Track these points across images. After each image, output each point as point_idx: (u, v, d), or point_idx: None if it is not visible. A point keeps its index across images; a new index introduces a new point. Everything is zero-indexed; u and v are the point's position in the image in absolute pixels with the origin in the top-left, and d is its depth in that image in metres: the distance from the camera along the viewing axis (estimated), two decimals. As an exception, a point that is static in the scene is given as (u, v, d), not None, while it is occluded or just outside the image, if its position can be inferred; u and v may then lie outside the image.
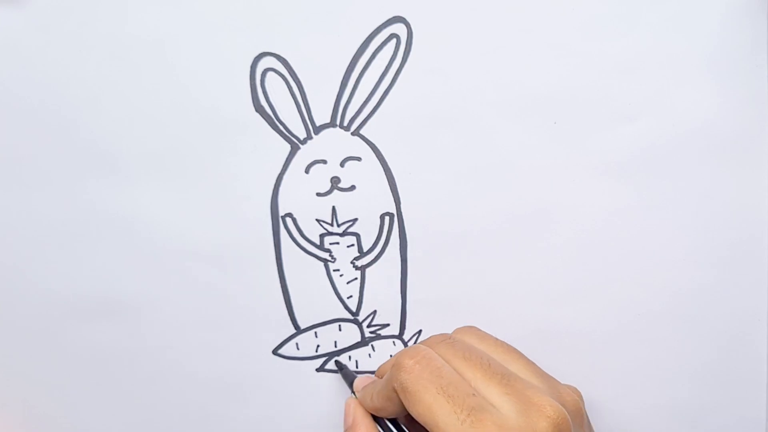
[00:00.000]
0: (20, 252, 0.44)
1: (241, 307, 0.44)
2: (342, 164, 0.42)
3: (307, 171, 0.42)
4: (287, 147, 0.42)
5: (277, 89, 0.41)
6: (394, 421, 0.39)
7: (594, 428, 0.38)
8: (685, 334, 0.43)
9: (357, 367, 0.45)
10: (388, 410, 0.37)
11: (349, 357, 0.44)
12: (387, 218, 0.42)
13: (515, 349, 0.39)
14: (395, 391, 0.36)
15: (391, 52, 0.40)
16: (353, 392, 0.41)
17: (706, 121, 0.40)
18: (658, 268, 0.42)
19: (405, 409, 0.36)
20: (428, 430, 0.35)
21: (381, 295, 0.43)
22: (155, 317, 0.44)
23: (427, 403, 0.34)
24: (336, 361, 0.44)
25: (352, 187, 0.42)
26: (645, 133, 0.40)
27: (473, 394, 0.35)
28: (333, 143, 0.42)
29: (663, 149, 0.40)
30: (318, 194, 0.42)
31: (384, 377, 0.37)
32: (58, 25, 0.40)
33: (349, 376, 0.43)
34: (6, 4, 0.40)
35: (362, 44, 0.40)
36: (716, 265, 0.42)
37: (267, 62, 0.41)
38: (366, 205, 0.42)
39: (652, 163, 0.41)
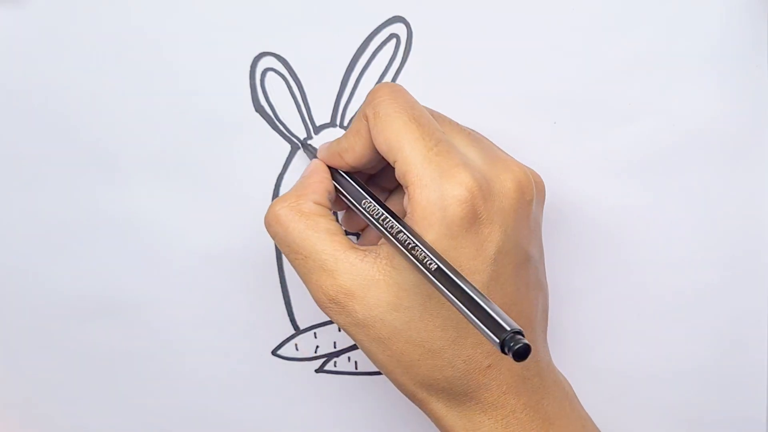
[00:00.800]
0: (20, 252, 0.44)
1: (241, 307, 0.44)
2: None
3: (307, 171, 0.42)
4: (287, 147, 0.42)
5: (277, 89, 0.41)
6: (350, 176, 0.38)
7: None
8: (685, 334, 0.43)
9: (356, 368, 0.45)
10: (355, 150, 0.36)
11: (348, 358, 0.44)
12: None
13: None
14: (365, 119, 0.35)
15: (391, 52, 0.40)
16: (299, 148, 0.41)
17: (706, 121, 0.40)
18: (659, 268, 0.42)
19: (369, 152, 0.35)
20: (390, 158, 0.34)
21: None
22: (155, 317, 0.44)
23: (397, 128, 0.34)
24: (301, 143, 0.42)
25: (353, 187, 0.42)
26: (645, 133, 0.40)
27: (443, 132, 0.34)
28: (333, 143, 0.42)
29: (663, 149, 0.40)
30: (318, 194, 0.42)
31: (356, 113, 0.37)
32: (58, 25, 0.40)
33: (309, 147, 0.41)
34: (6, 4, 0.40)
35: (362, 44, 0.40)
36: (716, 265, 0.42)
37: (267, 62, 0.41)
38: (366, 205, 0.42)
39: (652, 164, 0.41)
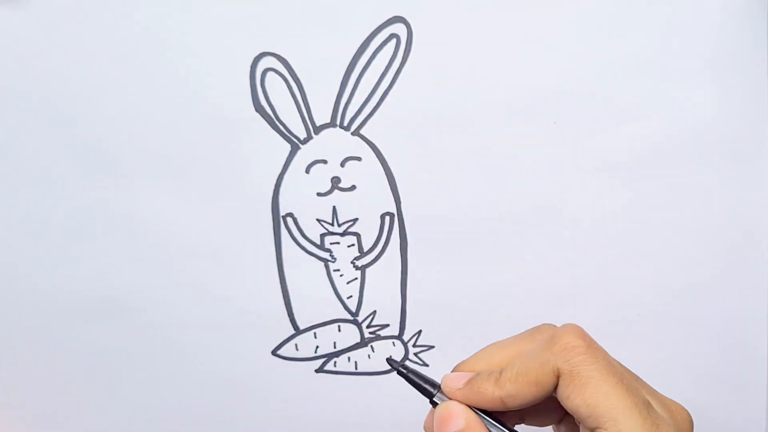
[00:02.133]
0: (20, 252, 0.44)
1: (241, 307, 0.44)
2: (342, 164, 0.42)
3: (307, 171, 0.42)
4: (287, 147, 0.42)
5: (277, 89, 0.41)
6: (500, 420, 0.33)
7: None
8: (685, 334, 0.43)
9: (356, 368, 0.45)
10: (526, 401, 0.32)
11: (348, 358, 0.44)
12: (387, 218, 0.42)
13: None
14: (554, 375, 0.31)
15: (391, 52, 0.40)
16: (432, 395, 0.34)
17: (706, 121, 0.40)
18: (658, 268, 0.42)
19: (545, 403, 0.32)
20: (592, 423, 0.30)
21: (381, 295, 0.43)
22: (155, 317, 0.44)
23: (605, 392, 0.30)
24: (391, 361, 0.35)
25: (353, 187, 0.42)
26: (645, 133, 0.40)
27: (640, 389, 0.31)
28: (333, 143, 0.42)
29: (663, 149, 0.40)
30: (318, 194, 0.42)
31: (524, 358, 0.32)
32: (58, 25, 0.40)
33: (421, 377, 0.34)
34: (6, 4, 0.40)
35: (362, 44, 0.40)
36: (717, 265, 0.42)
37: (267, 62, 0.41)
38: (366, 205, 0.42)
39: (652, 163, 0.41)
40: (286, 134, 0.42)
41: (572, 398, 0.30)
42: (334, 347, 0.44)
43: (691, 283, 0.42)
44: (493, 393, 0.32)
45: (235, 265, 0.43)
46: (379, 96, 0.41)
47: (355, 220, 0.42)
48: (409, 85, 0.41)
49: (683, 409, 0.32)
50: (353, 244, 0.42)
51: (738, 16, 0.39)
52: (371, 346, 0.45)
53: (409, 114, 0.41)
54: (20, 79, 0.41)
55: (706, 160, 0.41)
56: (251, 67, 0.41)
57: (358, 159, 0.42)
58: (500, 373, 0.32)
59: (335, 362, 0.45)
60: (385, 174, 0.42)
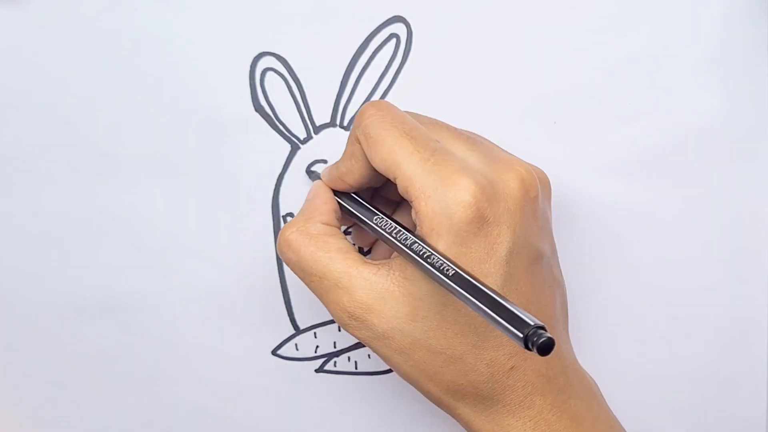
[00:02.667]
0: (20, 251, 0.44)
1: (241, 307, 0.44)
2: (342, 164, 0.42)
3: (307, 171, 0.42)
4: (287, 147, 0.42)
5: (276, 89, 0.41)
6: (353, 197, 0.38)
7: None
8: (685, 334, 0.43)
9: (356, 368, 0.45)
10: (354, 173, 0.36)
11: (348, 358, 0.44)
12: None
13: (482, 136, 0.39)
14: (358, 142, 0.35)
15: (391, 52, 0.40)
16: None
17: (706, 121, 0.40)
18: (658, 268, 0.42)
19: (369, 171, 0.36)
20: (390, 176, 0.34)
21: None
22: (155, 317, 0.44)
23: (390, 146, 0.34)
24: (307, 170, 0.42)
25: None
26: (645, 133, 0.40)
27: (437, 141, 0.34)
28: (333, 143, 0.42)
29: (663, 149, 0.40)
30: (318, 194, 0.42)
31: (348, 138, 0.37)
32: (58, 25, 0.40)
33: (312, 171, 0.42)
34: (6, 4, 0.40)
35: (362, 44, 0.40)
36: (716, 264, 0.42)
37: (266, 62, 0.41)
38: (366, 205, 0.42)
39: (652, 163, 0.41)
40: (286, 134, 0.42)
41: (372, 159, 0.34)
42: (334, 347, 0.44)
43: (691, 282, 0.42)
44: (334, 173, 0.37)
45: (235, 265, 0.43)
46: (379, 96, 0.41)
47: (355, 220, 0.42)
48: (409, 85, 0.41)
49: (518, 162, 0.35)
50: (353, 244, 0.42)
51: (738, 16, 0.39)
52: (371, 346, 0.44)
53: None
54: (20, 79, 0.41)
55: (706, 160, 0.41)
56: (251, 66, 0.41)
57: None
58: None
59: (335, 362, 0.45)
60: (385, 174, 0.42)
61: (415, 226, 0.34)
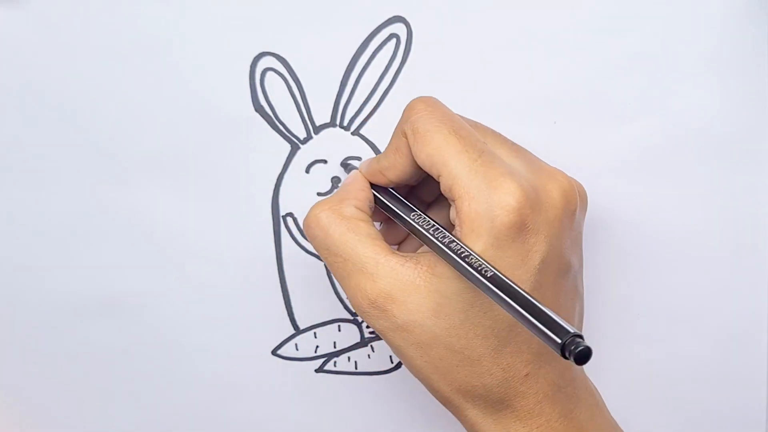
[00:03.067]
0: (21, 251, 0.44)
1: (241, 307, 0.44)
2: (342, 164, 0.42)
3: (307, 171, 0.42)
4: (287, 147, 0.42)
5: (276, 89, 0.41)
6: (389, 192, 0.37)
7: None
8: (685, 334, 0.43)
9: (356, 368, 0.45)
10: (396, 168, 0.36)
11: (348, 358, 0.44)
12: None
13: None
14: (404, 136, 0.35)
15: (391, 52, 0.41)
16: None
17: (706, 121, 0.40)
18: (659, 267, 0.42)
19: (412, 168, 0.35)
20: (434, 173, 0.34)
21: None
22: (155, 317, 0.44)
23: (438, 143, 0.33)
24: (343, 162, 0.42)
25: (353, 187, 0.42)
26: (645, 133, 0.40)
27: (484, 143, 0.34)
28: (333, 143, 0.42)
29: (663, 149, 0.40)
30: (319, 194, 0.42)
31: (394, 130, 0.36)
32: (58, 25, 0.40)
33: (348, 164, 0.41)
34: (6, 4, 0.40)
35: (362, 44, 0.40)
36: (716, 265, 0.42)
37: (266, 62, 0.41)
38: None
39: (652, 163, 0.41)
40: (286, 134, 0.42)
41: (418, 154, 0.34)
42: (334, 347, 0.44)
43: (691, 282, 0.42)
44: (376, 166, 0.37)
45: (235, 265, 0.43)
46: (379, 96, 0.41)
47: (355, 220, 0.42)
48: (409, 85, 0.41)
49: (562, 175, 0.35)
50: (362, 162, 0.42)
51: (738, 16, 0.39)
52: (371, 346, 0.44)
53: (409, 114, 0.41)
54: (20, 79, 0.41)
55: (706, 160, 0.41)
56: (251, 66, 0.41)
57: (359, 159, 0.42)
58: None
59: (335, 362, 0.45)
60: (385, 174, 0.42)
61: (450, 225, 0.34)
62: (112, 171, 0.42)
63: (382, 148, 0.41)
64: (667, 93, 0.40)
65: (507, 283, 0.30)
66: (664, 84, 0.40)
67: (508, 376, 0.34)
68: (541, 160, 0.37)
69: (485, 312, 0.33)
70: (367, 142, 0.42)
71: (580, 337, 0.26)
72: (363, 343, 0.44)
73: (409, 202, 0.37)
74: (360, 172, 0.38)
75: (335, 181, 0.42)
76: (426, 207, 0.40)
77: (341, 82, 0.41)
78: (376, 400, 0.45)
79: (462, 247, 0.32)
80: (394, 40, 0.40)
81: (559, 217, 0.34)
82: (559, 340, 0.27)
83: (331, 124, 0.42)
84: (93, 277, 0.44)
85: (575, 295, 0.37)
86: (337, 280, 0.35)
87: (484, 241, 0.32)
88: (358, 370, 0.45)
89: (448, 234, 0.33)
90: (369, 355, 0.45)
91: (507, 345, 0.34)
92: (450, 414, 0.36)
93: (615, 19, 0.39)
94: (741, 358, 0.43)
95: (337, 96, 0.41)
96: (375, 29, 0.40)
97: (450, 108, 0.36)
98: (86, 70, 0.41)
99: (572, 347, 0.26)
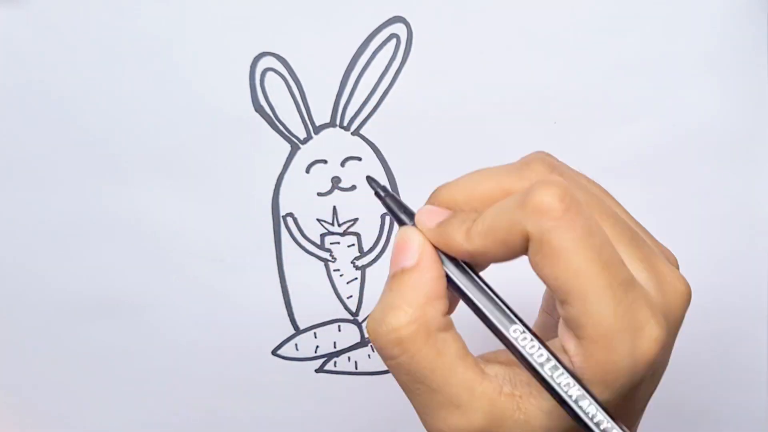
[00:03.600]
0: (21, 252, 0.44)
1: (241, 307, 0.44)
2: (342, 164, 0.42)
3: (307, 171, 0.42)
4: (287, 147, 0.42)
5: (276, 89, 0.41)
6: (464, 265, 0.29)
7: None
8: (685, 334, 0.43)
9: (356, 368, 0.45)
10: (489, 254, 0.27)
11: (348, 358, 0.44)
12: (388, 218, 0.42)
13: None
14: (523, 238, 0.26)
15: (391, 52, 0.40)
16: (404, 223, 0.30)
17: (706, 121, 0.40)
18: (658, 267, 0.42)
19: (507, 258, 0.28)
20: (560, 297, 0.26)
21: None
22: (155, 317, 0.44)
23: (576, 267, 0.25)
24: (371, 181, 0.31)
25: (353, 187, 0.42)
26: (645, 133, 0.40)
27: (626, 268, 0.27)
28: (333, 143, 0.42)
29: (663, 149, 0.40)
30: (319, 194, 0.42)
31: (497, 212, 0.27)
32: (58, 25, 0.40)
33: (396, 202, 0.31)
34: (6, 4, 0.40)
35: (362, 44, 0.40)
36: (716, 264, 0.42)
37: (266, 62, 0.41)
38: (367, 205, 0.42)
39: (652, 163, 0.41)
40: (286, 134, 0.42)
41: (541, 268, 0.26)
42: (334, 347, 0.44)
43: (691, 282, 0.42)
44: (461, 245, 0.28)
45: (235, 265, 0.43)
46: (379, 96, 0.41)
47: (356, 220, 0.42)
48: (409, 85, 0.41)
49: (681, 280, 0.29)
50: (353, 244, 0.42)
51: (738, 16, 0.39)
52: (371, 346, 0.44)
53: (409, 114, 0.41)
54: (20, 79, 0.41)
55: (706, 160, 0.41)
56: (251, 66, 0.41)
57: (358, 159, 0.42)
58: (473, 222, 0.28)
59: (335, 362, 0.45)
60: (385, 174, 0.42)
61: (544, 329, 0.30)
62: (112, 171, 0.42)
63: (382, 149, 0.41)
64: (667, 93, 0.40)
65: None
66: (664, 84, 0.40)
67: None
68: (655, 249, 0.30)
69: None
70: (367, 142, 0.42)
71: None
72: (363, 343, 0.45)
73: (496, 293, 0.29)
74: (424, 240, 0.29)
75: (335, 181, 0.42)
76: None
77: (341, 82, 0.41)
78: (376, 400, 0.45)
79: (589, 399, 0.26)
80: (394, 40, 0.40)
81: (675, 336, 0.29)
82: None
83: (331, 124, 0.42)
84: (93, 277, 0.44)
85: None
86: (415, 408, 0.29)
87: (615, 393, 0.26)
88: (358, 370, 0.45)
89: (564, 372, 0.26)
90: (369, 355, 0.45)
91: None
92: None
93: (615, 19, 0.39)
94: (741, 358, 0.43)
95: (337, 96, 0.41)
96: (375, 29, 0.40)
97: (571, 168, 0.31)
98: (86, 70, 0.41)
99: None
